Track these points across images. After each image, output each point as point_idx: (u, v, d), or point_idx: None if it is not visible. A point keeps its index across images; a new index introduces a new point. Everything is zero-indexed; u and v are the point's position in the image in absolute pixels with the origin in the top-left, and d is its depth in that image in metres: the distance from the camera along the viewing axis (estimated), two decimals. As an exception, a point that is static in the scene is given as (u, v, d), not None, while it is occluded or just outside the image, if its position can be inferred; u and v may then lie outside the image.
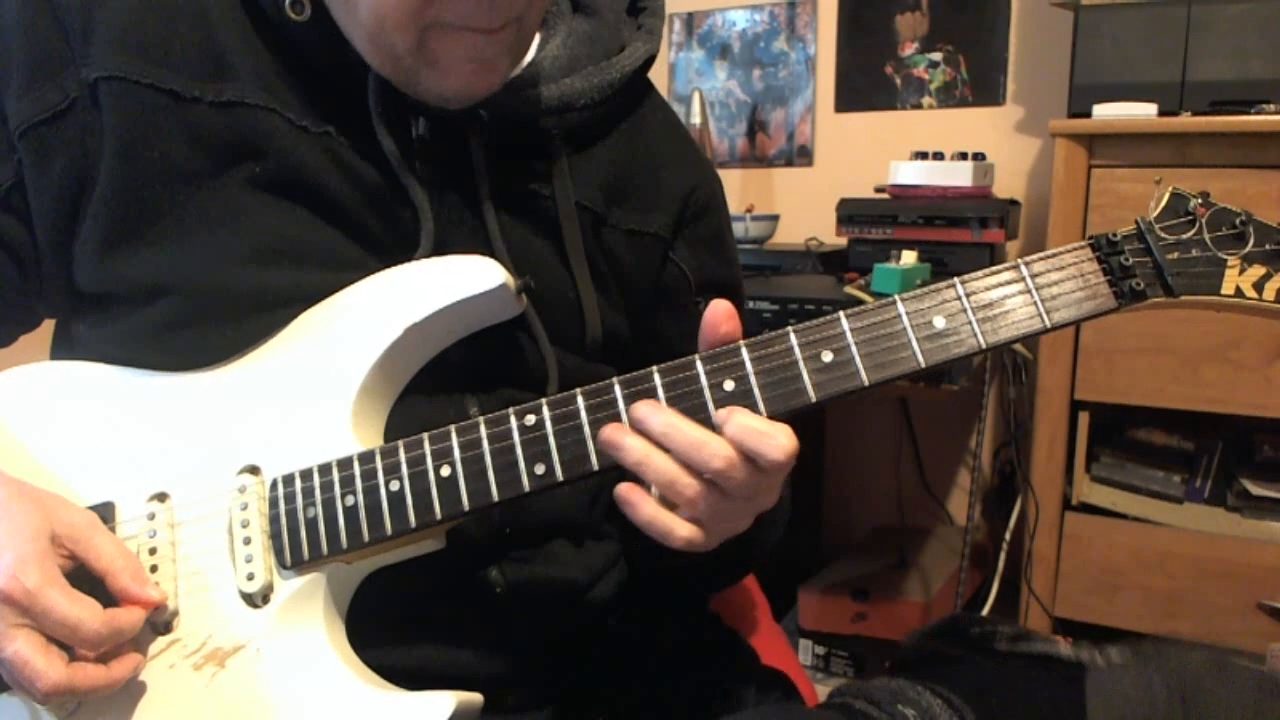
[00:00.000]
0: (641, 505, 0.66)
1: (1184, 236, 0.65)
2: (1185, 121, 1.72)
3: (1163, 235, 0.65)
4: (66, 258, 0.77)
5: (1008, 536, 2.10)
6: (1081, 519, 1.89)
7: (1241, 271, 0.64)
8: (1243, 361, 1.73)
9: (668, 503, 0.66)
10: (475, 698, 0.70)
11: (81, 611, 0.64)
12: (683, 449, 0.64)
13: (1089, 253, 0.65)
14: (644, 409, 0.65)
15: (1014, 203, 2.08)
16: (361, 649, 0.73)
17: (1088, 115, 1.79)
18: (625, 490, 0.66)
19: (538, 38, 0.84)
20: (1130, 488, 1.90)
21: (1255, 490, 1.80)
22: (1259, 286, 0.64)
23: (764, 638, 1.10)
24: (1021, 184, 2.28)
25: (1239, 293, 0.64)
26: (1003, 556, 2.12)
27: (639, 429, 0.65)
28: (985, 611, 2.08)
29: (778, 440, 0.63)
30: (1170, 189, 0.67)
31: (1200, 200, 0.66)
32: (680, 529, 0.65)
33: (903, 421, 2.44)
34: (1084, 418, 1.87)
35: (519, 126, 0.80)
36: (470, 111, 0.77)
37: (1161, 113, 1.74)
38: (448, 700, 0.67)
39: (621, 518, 0.80)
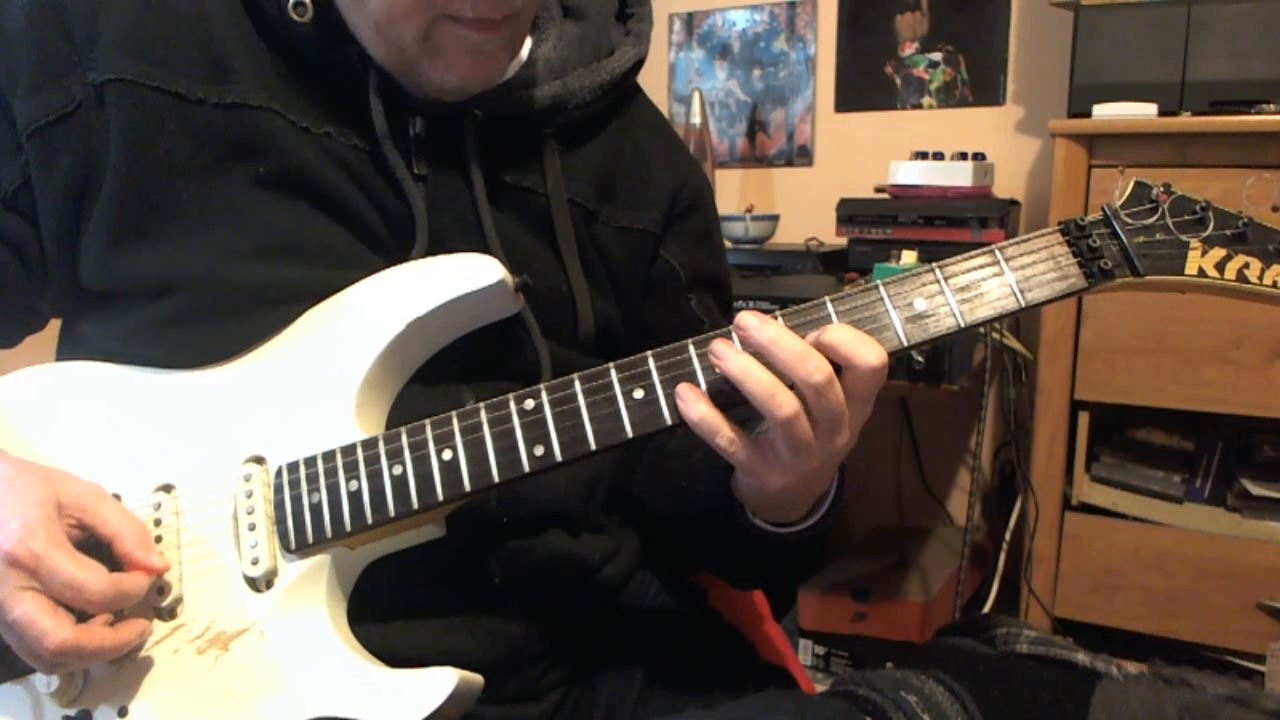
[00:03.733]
0: (697, 402, 0.67)
1: (1148, 221, 0.70)
2: (1185, 121, 1.72)
3: (1128, 220, 0.70)
4: (72, 256, 0.78)
5: (1008, 536, 2.10)
6: (1081, 519, 1.90)
7: (1204, 253, 0.69)
8: (1243, 361, 1.73)
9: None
10: (476, 677, 0.71)
11: (87, 574, 0.66)
12: (786, 361, 0.64)
13: (1059, 237, 0.70)
14: (750, 318, 0.66)
15: (1014, 203, 2.08)
16: (362, 635, 0.74)
17: (1088, 115, 1.79)
18: (685, 388, 0.67)
19: (529, 41, 0.86)
20: (1130, 488, 1.90)
21: (1255, 490, 1.80)
22: (1220, 267, 0.69)
23: (763, 636, 1.10)
24: (1021, 184, 2.28)
25: (1202, 273, 0.69)
26: (1003, 556, 2.12)
27: (744, 337, 0.66)
28: (985, 612, 2.08)
29: (869, 347, 0.65)
30: (1134, 179, 0.72)
31: (1162, 188, 0.70)
32: (725, 429, 0.66)
33: (903, 421, 2.44)
34: (1084, 418, 1.87)
35: (513, 125, 0.82)
36: (465, 111, 0.79)
37: (1161, 113, 1.75)
38: (449, 676, 0.68)
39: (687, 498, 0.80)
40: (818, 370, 0.64)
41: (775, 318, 0.68)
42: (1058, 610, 1.91)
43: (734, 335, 0.68)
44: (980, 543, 2.27)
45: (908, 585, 2.06)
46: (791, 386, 0.65)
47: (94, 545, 0.70)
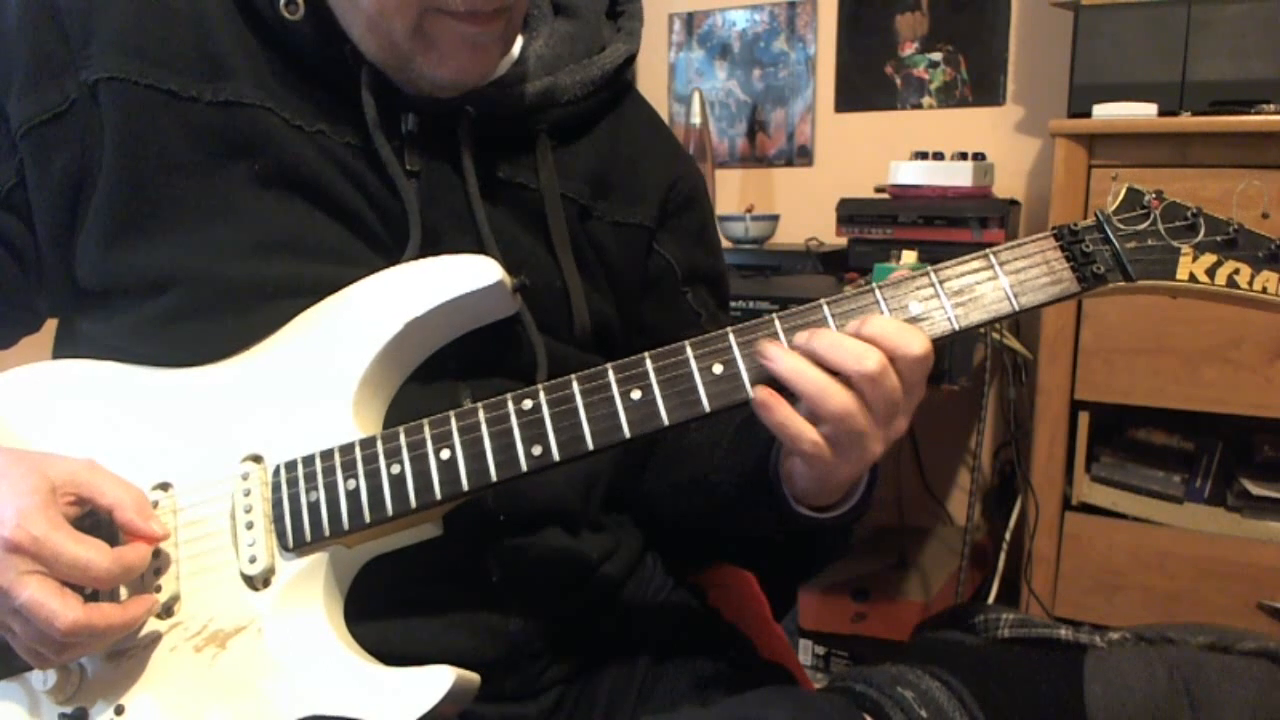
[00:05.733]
0: (778, 407, 0.67)
1: (1140, 227, 0.71)
2: (1185, 121, 1.72)
3: (1120, 226, 0.71)
4: (68, 255, 0.78)
5: (1008, 536, 2.10)
6: (1081, 519, 1.89)
7: (1194, 259, 0.70)
8: (1243, 361, 1.73)
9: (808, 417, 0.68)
10: (473, 676, 0.71)
11: (90, 552, 0.66)
12: (837, 355, 0.66)
13: (1053, 242, 0.71)
14: (804, 335, 0.68)
15: (1014, 203, 2.08)
16: (360, 634, 0.74)
17: (1088, 115, 1.79)
18: (765, 394, 0.68)
19: (521, 39, 0.87)
20: (1130, 488, 1.89)
21: (1255, 490, 1.80)
22: (1211, 273, 0.70)
23: (763, 636, 1.10)
24: (1021, 184, 2.28)
25: (1192, 278, 0.70)
26: (1003, 556, 2.12)
27: (800, 348, 0.67)
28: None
29: (912, 336, 0.66)
30: (1126, 185, 0.73)
31: (1154, 195, 0.72)
32: (809, 433, 0.67)
33: (902, 421, 2.43)
34: (1084, 418, 1.87)
35: (505, 122, 0.83)
36: (458, 108, 0.80)
37: (1161, 113, 1.75)
38: (446, 675, 0.68)
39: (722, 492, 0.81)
40: (868, 359, 0.65)
41: (774, 319, 0.69)
42: (1058, 610, 1.91)
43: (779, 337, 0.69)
44: (980, 543, 2.27)
45: (908, 585, 2.06)
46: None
47: (92, 525, 0.70)
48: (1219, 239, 0.70)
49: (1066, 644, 0.77)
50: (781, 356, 0.67)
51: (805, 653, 2.07)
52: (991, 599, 2.11)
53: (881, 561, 2.16)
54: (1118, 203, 0.72)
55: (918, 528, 2.42)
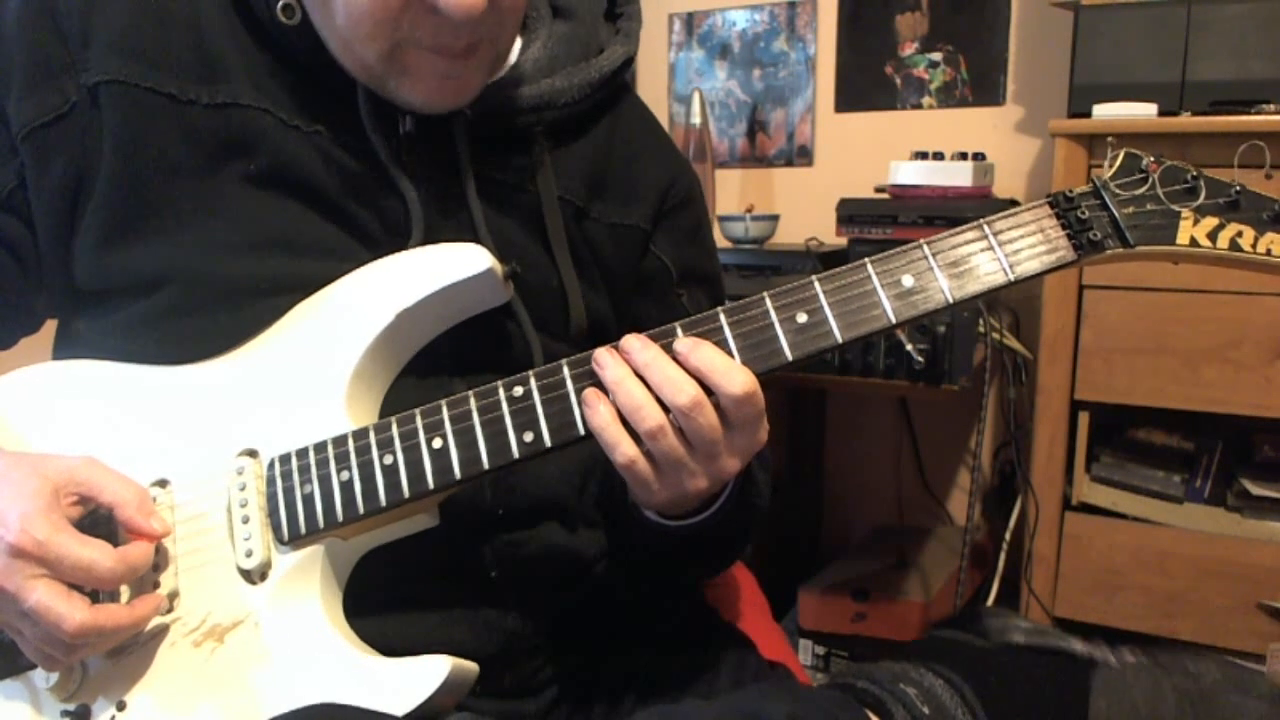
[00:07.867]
0: (598, 408, 0.68)
1: (1138, 192, 0.68)
2: (1185, 121, 1.72)
3: (1118, 191, 0.68)
4: (66, 256, 0.79)
5: (1008, 536, 2.09)
6: (1081, 519, 1.89)
7: (1195, 223, 0.67)
8: (1243, 361, 1.73)
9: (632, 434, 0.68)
10: (470, 665, 0.71)
11: (94, 553, 0.67)
12: (657, 382, 0.67)
13: (1047, 209, 0.69)
14: (634, 340, 0.68)
15: (1014, 203, 2.08)
16: (359, 628, 0.74)
17: (1088, 115, 1.79)
18: (590, 393, 0.69)
19: (519, 41, 0.87)
20: (1130, 488, 1.89)
21: (1255, 490, 1.80)
22: (1213, 236, 0.67)
23: (763, 636, 1.10)
24: (1021, 184, 2.28)
25: (1194, 243, 0.67)
26: (1003, 556, 2.11)
27: (625, 357, 0.68)
28: (974, 605, 2.08)
29: (735, 376, 0.66)
30: (1124, 150, 0.70)
31: (1153, 158, 0.69)
32: (626, 445, 0.67)
33: (903, 421, 2.43)
34: (1084, 418, 1.87)
35: (502, 123, 0.83)
36: (455, 109, 0.80)
37: (1161, 113, 1.74)
38: (443, 665, 0.68)
39: (608, 503, 0.82)
40: (681, 393, 0.66)
41: (763, 298, 0.69)
42: (1058, 610, 1.91)
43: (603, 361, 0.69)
44: (980, 543, 2.27)
45: (908, 585, 2.06)
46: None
47: (91, 524, 0.70)
48: (1220, 201, 0.67)
49: (1078, 656, 0.76)
50: (610, 365, 0.68)
51: (805, 653, 2.07)
52: (991, 599, 2.10)
53: (881, 561, 2.16)
54: (1115, 168, 0.69)
55: (918, 528, 2.42)
